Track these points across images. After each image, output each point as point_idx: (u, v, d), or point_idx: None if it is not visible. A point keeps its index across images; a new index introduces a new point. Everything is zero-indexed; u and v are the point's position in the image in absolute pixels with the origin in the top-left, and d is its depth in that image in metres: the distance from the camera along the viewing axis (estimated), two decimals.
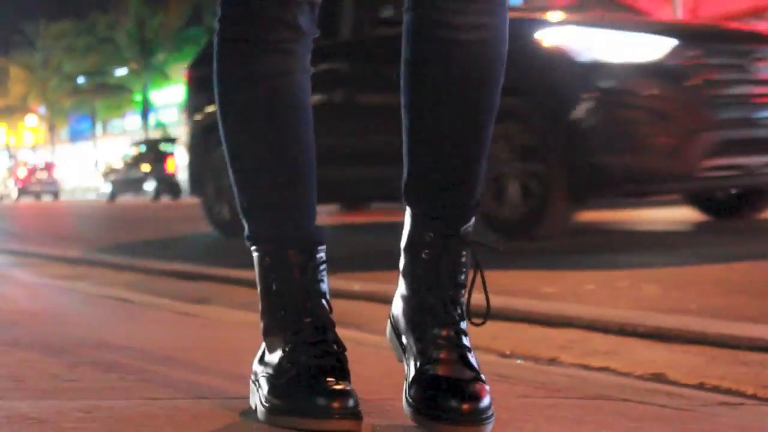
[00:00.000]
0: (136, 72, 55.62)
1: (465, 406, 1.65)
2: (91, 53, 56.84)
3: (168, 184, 33.78)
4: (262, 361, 1.79)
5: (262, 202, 1.81)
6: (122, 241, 10.31)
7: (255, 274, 1.82)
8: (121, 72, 58.48)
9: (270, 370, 1.73)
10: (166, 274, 6.16)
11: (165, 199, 33.00)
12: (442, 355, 1.74)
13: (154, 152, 37.71)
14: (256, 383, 1.78)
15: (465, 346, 1.77)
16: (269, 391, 1.70)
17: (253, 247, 1.82)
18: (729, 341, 3.15)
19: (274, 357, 1.74)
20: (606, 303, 4.24)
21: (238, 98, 1.79)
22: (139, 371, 2.28)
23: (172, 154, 35.18)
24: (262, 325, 1.81)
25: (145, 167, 36.85)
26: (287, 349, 1.72)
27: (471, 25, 1.74)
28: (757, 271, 5.26)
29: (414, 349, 1.76)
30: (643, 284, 4.86)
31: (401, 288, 1.81)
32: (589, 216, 8.86)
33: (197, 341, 2.91)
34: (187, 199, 15.72)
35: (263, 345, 1.81)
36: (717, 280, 4.92)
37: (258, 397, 1.74)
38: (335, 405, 1.62)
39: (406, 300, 1.79)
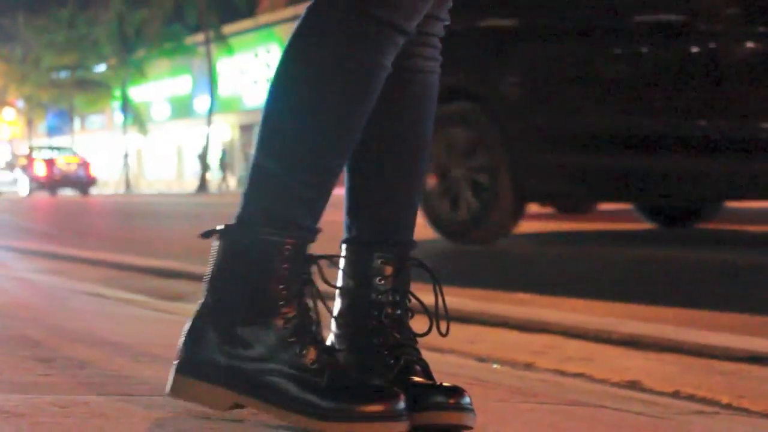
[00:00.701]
0: (115, 68, 55.45)
1: (451, 401, 1.69)
2: (71, 48, 56.61)
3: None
4: (251, 358, 1.66)
5: (322, 190, 1.71)
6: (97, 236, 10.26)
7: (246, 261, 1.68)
8: (100, 68, 58.30)
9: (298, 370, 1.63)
10: (142, 271, 6.15)
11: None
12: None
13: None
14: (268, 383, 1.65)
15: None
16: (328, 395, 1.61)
17: (273, 233, 1.67)
18: (705, 350, 3.17)
19: (292, 354, 1.64)
20: (582, 309, 4.25)
21: (354, 80, 1.70)
22: (116, 367, 2.26)
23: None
24: (228, 316, 1.68)
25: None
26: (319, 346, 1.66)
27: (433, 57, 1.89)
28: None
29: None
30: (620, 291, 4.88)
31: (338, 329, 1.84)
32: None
33: (173, 338, 2.89)
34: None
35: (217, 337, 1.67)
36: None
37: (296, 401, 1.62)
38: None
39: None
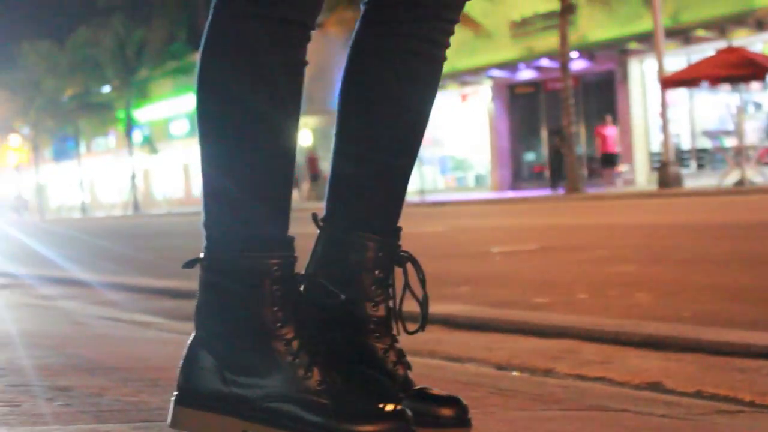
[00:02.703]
0: (118, 89, 55.55)
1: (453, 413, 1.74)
2: (74, 72, 56.74)
3: None
4: (253, 386, 1.63)
5: (283, 201, 1.67)
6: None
7: (232, 292, 1.63)
8: (104, 90, 58.40)
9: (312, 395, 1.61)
10: (157, 293, 6.14)
11: None
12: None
13: None
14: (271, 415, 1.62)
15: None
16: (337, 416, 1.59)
17: (260, 258, 1.62)
18: (724, 348, 3.15)
19: (297, 379, 1.61)
20: (598, 312, 4.24)
21: (280, 82, 1.66)
22: (135, 393, 2.26)
23: None
24: (228, 344, 1.64)
25: None
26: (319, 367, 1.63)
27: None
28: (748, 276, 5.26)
29: None
30: (635, 293, 4.86)
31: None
32: None
33: None
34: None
35: (214, 368, 1.64)
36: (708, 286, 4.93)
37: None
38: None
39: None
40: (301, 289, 1.70)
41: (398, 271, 1.82)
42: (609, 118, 29.39)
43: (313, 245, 1.84)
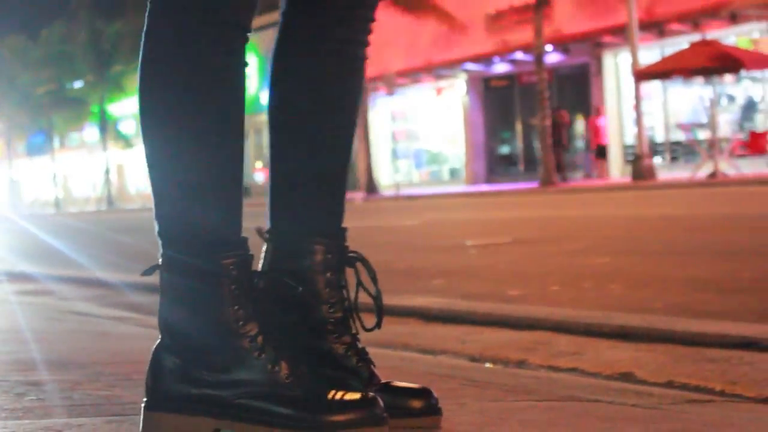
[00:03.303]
0: (92, 84, 55.23)
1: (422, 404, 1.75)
2: (47, 66, 56.38)
3: None
4: (219, 384, 1.63)
5: (233, 201, 1.69)
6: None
7: (187, 289, 1.64)
8: (77, 84, 58.07)
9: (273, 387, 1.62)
10: (131, 288, 6.12)
11: None
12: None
13: None
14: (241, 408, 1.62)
15: None
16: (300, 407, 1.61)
17: (218, 257, 1.64)
18: (695, 338, 3.17)
19: (258, 371, 1.63)
20: (569, 304, 4.26)
21: (222, 83, 1.68)
22: (108, 387, 2.26)
23: None
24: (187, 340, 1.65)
25: None
26: (284, 361, 1.64)
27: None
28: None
29: None
30: (607, 284, 4.89)
31: None
32: None
33: None
34: None
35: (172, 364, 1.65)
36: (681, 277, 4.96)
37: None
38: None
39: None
40: (260, 287, 1.71)
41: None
42: (602, 108, 29.14)
43: (262, 259, 1.84)
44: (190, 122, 1.65)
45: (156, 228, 1.67)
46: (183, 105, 1.65)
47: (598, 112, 29.09)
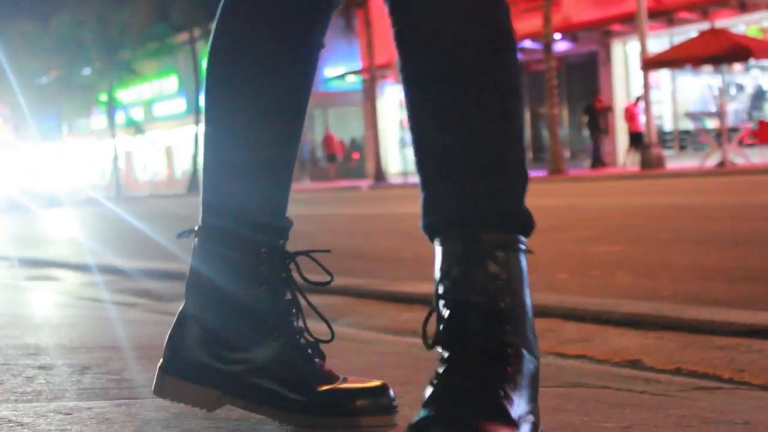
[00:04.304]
0: (101, 70, 55.22)
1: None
2: (56, 53, 56.38)
3: None
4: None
5: (283, 181, 1.69)
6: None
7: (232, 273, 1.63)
8: (86, 71, 58.05)
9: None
10: (140, 274, 6.14)
11: None
12: None
13: None
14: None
15: None
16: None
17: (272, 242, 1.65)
18: (704, 326, 3.17)
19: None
20: (578, 291, 4.26)
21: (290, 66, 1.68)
22: (117, 371, 2.27)
23: None
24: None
25: None
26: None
27: None
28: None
29: None
30: (616, 273, 4.88)
31: None
32: None
33: None
34: None
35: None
36: (689, 265, 4.95)
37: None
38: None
39: None
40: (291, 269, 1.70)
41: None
42: (639, 97, 27.08)
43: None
44: (258, 99, 1.65)
45: (201, 196, 1.68)
46: (254, 79, 1.65)
47: (636, 99, 27.83)
